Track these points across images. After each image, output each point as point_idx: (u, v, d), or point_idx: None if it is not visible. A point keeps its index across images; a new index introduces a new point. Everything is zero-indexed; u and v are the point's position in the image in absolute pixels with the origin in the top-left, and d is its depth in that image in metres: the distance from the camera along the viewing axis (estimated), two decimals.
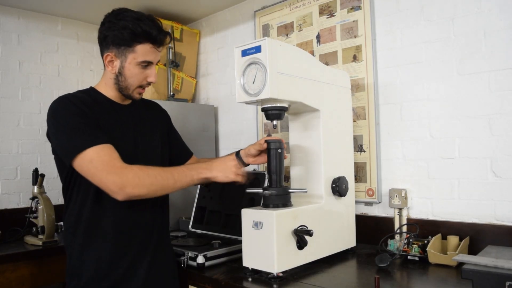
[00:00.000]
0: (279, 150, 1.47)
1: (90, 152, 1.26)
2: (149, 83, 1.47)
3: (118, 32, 1.37)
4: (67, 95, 1.40)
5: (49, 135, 1.39)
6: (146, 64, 1.42)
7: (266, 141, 1.51)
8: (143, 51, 1.39)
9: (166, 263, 1.52)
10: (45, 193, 2.18)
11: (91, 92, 1.46)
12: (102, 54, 1.44)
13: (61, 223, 1.80)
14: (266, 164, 1.51)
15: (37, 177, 2.17)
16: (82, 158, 1.26)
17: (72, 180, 1.39)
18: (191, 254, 1.58)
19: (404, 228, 1.75)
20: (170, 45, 2.60)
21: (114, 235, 1.39)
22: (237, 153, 1.65)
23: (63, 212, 1.45)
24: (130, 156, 1.36)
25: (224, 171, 1.40)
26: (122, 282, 1.38)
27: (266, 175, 1.50)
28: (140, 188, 1.27)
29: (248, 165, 1.66)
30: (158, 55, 1.45)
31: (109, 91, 1.47)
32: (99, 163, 1.26)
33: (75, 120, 1.32)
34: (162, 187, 1.32)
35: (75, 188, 1.39)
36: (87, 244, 1.38)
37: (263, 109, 1.48)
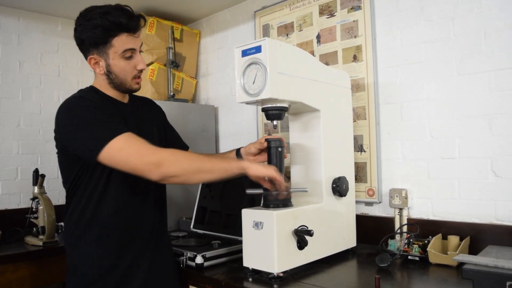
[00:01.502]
0: (280, 149, 1.47)
1: (117, 141, 1.24)
2: (140, 71, 1.45)
3: (91, 33, 1.35)
4: (77, 95, 1.39)
5: (60, 135, 1.36)
6: (130, 55, 1.40)
7: (266, 139, 1.50)
8: (120, 42, 1.37)
9: (166, 263, 1.52)
10: (46, 193, 2.18)
11: (95, 91, 1.45)
12: (86, 58, 1.43)
13: (62, 224, 1.80)
14: (266, 163, 1.51)
15: (38, 178, 2.17)
16: (110, 148, 1.23)
17: (79, 180, 1.37)
18: (190, 254, 1.58)
19: (405, 228, 1.75)
20: (170, 45, 2.60)
21: (116, 235, 1.39)
22: (237, 151, 1.65)
23: (63, 211, 1.44)
24: None
25: (264, 166, 1.35)
26: (123, 282, 1.38)
27: None
28: (177, 167, 1.24)
29: None
30: (138, 40, 1.42)
31: (106, 91, 1.46)
32: (130, 149, 1.24)
33: (94, 115, 1.30)
34: (198, 170, 1.27)
35: (81, 188, 1.38)
36: (88, 244, 1.38)
37: (263, 109, 1.48)
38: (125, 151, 1.24)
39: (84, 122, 1.29)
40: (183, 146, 1.74)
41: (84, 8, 1.40)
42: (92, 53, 1.39)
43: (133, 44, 1.40)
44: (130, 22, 1.38)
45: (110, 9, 1.36)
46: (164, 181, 1.26)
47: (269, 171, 1.33)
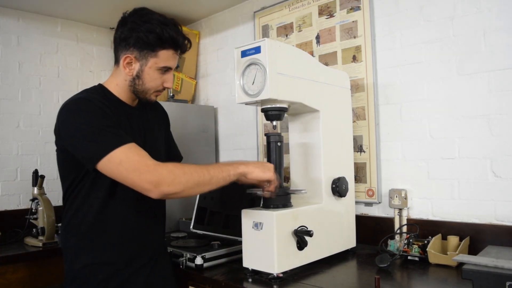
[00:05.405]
0: (279, 144, 1.47)
1: (118, 153, 1.19)
2: (164, 88, 1.43)
3: (142, 35, 1.32)
4: (84, 96, 1.34)
5: (61, 135, 1.32)
6: (166, 70, 1.39)
7: (265, 134, 1.51)
8: (165, 56, 1.35)
9: (165, 268, 1.51)
10: (45, 194, 2.18)
11: (103, 91, 1.40)
12: (118, 55, 1.38)
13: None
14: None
15: (37, 179, 2.17)
16: (109, 160, 1.19)
17: (81, 182, 1.34)
18: (189, 255, 1.58)
19: (404, 229, 1.75)
20: None
21: (119, 241, 1.36)
22: None
23: (62, 213, 1.40)
24: None
25: (262, 167, 1.34)
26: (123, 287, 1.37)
27: None
28: (176, 186, 1.21)
29: None
30: (177, 61, 1.42)
31: (120, 93, 1.41)
32: (129, 164, 1.19)
33: (97, 121, 1.25)
34: (198, 184, 1.26)
35: (83, 191, 1.34)
36: (89, 249, 1.35)
37: (262, 110, 1.48)
38: (124, 166, 1.19)
39: (86, 127, 1.25)
40: (178, 156, 1.71)
41: (139, 8, 1.38)
42: (131, 52, 1.34)
43: (173, 63, 1.39)
44: (183, 43, 1.39)
45: (168, 22, 1.36)
46: (164, 198, 1.24)
47: (268, 175, 1.34)
